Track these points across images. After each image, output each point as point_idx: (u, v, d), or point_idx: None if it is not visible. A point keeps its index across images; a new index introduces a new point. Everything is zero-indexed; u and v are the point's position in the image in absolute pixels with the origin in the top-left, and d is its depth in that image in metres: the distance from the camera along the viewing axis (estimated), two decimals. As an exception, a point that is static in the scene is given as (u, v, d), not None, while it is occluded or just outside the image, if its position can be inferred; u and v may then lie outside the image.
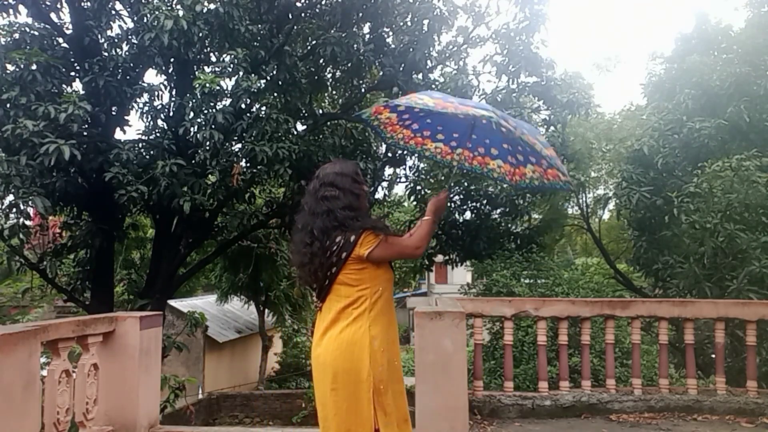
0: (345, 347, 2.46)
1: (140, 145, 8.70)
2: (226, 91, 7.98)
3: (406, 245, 2.57)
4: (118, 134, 8.76)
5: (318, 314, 2.64)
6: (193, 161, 8.00)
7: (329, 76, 10.38)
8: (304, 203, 2.65)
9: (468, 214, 12.10)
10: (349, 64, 9.16)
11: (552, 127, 10.36)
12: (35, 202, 6.92)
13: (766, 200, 7.61)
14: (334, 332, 2.49)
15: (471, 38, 10.04)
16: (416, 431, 4.13)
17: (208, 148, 7.67)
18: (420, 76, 9.58)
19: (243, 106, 8.01)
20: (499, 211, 12.07)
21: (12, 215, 7.30)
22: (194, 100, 7.76)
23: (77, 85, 8.29)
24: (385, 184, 14.27)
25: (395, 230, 2.66)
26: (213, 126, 7.46)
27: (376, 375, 2.45)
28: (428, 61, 9.45)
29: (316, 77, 9.48)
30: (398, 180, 14.55)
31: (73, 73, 8.24)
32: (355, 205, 2.55)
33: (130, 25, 8.48)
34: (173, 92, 8.89)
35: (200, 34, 7.45)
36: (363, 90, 10.71)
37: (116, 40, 8.58)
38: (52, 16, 8.54)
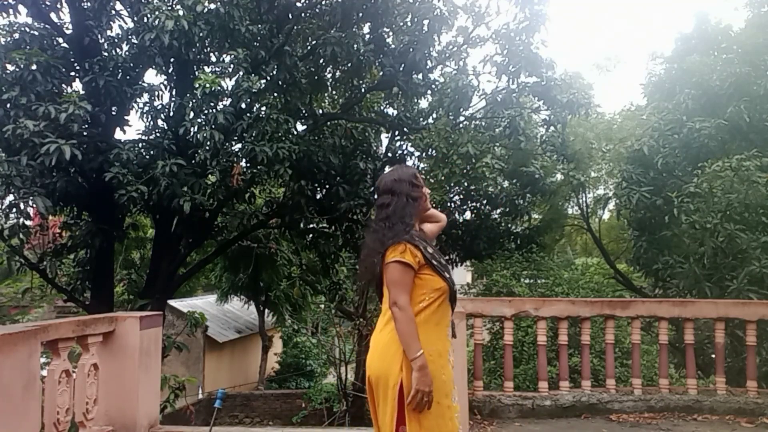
0: (380, 347, 2.45)
1: (140, 145, 8.69)
2: (226, 92, 7.98)
3: (396, 295, 2.40)
4: (118, 134, 8.77)
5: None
6: (193, 161, 8.00)
7: (329, 76, 10.37)
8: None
9: (468, 214, 12.09)
10: (349, 64, 9.15)
11: (552, 127, 10.35)
12: (35, 202, 6.93)
13: (766, 200, 7.61)
14: (377, 332, 2.53)
15: (471, 38, 10.03)
16: (416, 431, 4.13)
17: (208, 148, 7.66)
18: (420, 76, 9.58)
19: (243, 106, 8.01)
20: (499, 211, 12.07)
21: (12, 215, 7.30)
22: (194, 101, 7.76)
23: (77, 85, 8.29)
24: (385, 184, 14.24)
25: (435, 259, 2.51)
26: (213, 126, 7.46)
27: (411, 384, 2.36)
28: (428, 61, 9.44)
29: (316, 77, 9.47)
30: (398, 180, 14.53)
31: (73, 73, 8.23)
32: (406, 208, 2.52)
33: (130, 25, 8.48)
34: (173, 92, 8.89)
35: (201, 35, 7.45)
36: (363, 90, 10.70)
37: (116, 40, 8.58)
38: (52, 16, 8.53)
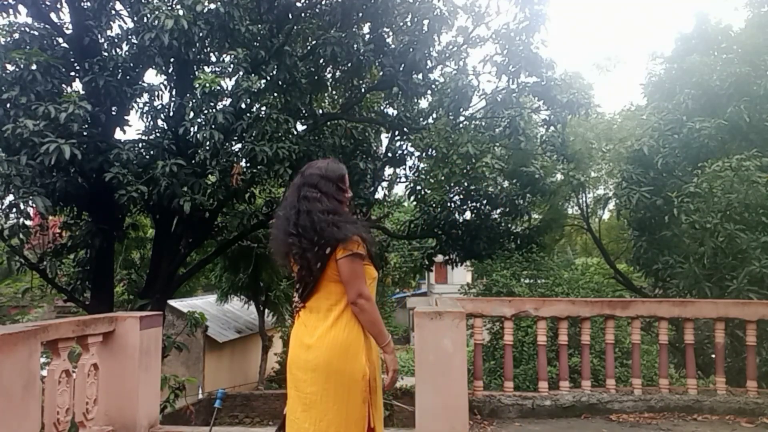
0: (340, 346, 2.41)
1: (140, 145, 8.70)
2: (226, 91, 7.99)
3: (360, 287, 2.41)
4: (118, 134, 8.77)
5: (301, 315, 2.55)
6: (193, 161, 8.00)
7: (329, 76, 10.38)
8: (287, 196, 2.63)
9: (468, 214, 12.10)
10: (349, 64, 9.16)
11: (552, 127, 10.36)
12: (35, 202, 6.93)
13: (766, 200, 7.61)
14: (326, 330, 2.43)
15: (471, 38, 10.04)
16: (416, 431, 4.14)
17: (208, 148, 7.67)
18: (420, 76, 9.58)
19: (243, 106, 8.01)
20: (499, 211, 12.08)
21: (12, 215, 7.30)
22: (194, 100, 7.76)
23: (77, 85, 8.30)
24: (385, 184, 14.29)
25: (373, 251, 2.58)
26: (213, 126, 7.46)
27: (371, 373, 2.45)
28: (428, 61, 9.45)
29: (316, 77, 9.48)
30: (398, 180, 14.57)
31: (73, 73, 8.24)
32: (338, 210, 2.50)
33: (130, 25, 8.48)
34: (173, 92, 8.90)
35: (200, 34, 7.45)
36: (363, 90, 10.71)
37: (116, 40, 8.58)
38: (52, 16, 8.54)
